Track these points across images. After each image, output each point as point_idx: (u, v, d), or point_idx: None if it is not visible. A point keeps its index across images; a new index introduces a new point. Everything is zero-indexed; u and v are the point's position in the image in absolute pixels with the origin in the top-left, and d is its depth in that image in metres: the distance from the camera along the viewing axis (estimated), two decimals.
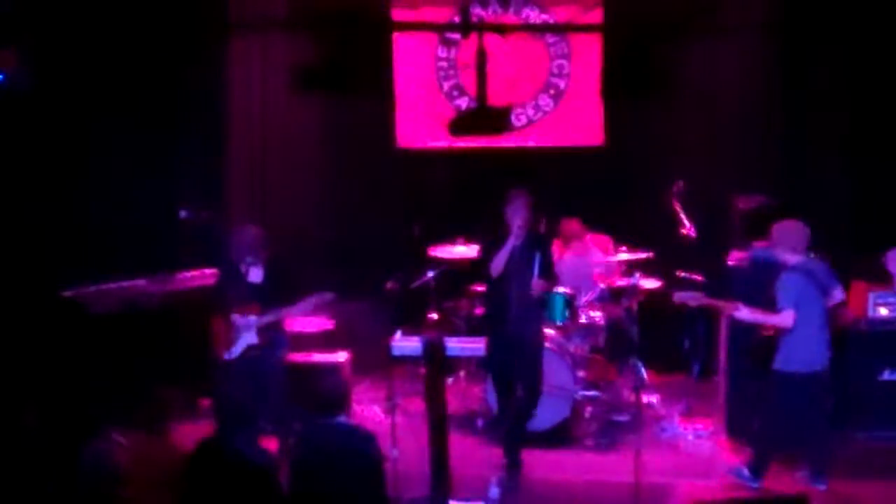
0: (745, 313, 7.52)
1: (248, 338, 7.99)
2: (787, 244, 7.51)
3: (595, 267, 9.57)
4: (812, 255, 7.63)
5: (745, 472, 7.62)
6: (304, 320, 9.18)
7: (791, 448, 7.73)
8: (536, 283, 7.79)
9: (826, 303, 7.52)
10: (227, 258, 8.17)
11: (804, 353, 7.44)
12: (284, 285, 8.02)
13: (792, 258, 7.50)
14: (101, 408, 7.26)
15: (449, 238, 9.61)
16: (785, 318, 7.38)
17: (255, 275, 8.04)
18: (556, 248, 9.45)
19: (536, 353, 8.02)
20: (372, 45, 10.81)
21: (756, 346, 7.88)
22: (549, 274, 7.95)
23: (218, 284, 8.27)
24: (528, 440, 8.15)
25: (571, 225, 9.63)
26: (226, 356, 8.01)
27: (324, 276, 8.69)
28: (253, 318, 7.94)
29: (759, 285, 8.33)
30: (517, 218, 7.82)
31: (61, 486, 5.88)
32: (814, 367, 7.45)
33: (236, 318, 7.94)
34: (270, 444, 7.65)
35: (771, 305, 7.44)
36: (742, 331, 8.14)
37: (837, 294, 7.62)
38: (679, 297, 7.68)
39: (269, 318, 8.00)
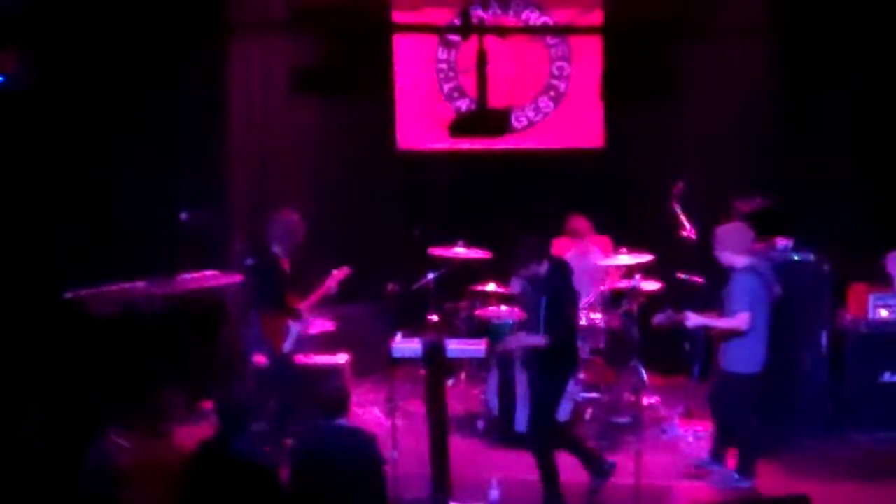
0: (695, 320, 7.55)
1: (298, 327, 8.15)
2: (731, 246, 7.55)
3: (596, 269, 9.56)
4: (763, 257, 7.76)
5: (735, 475, 7.65)
6: (304, 322, 9.18)
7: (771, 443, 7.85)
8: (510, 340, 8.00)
9: (771, 301, 7.61)
10: (265, 251, 8.18)
11: (757, 354, 7.55)
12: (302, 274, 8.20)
13: (739, 260, 7.55)
14: (102, 410, 7.27)
15: (449, 240, 9.60)
16: (741, 321, 7.43)
17: (286, 264, 8.17)
18: (560, 244, 9.50)
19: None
20: (372, 47, 10.80)
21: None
22: (551, 326, 7.40)
23: (263, 281, 8.21)
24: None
25: (579, 222, 9.60)
26: (286, 349, 8.13)
27: (324, 277, 8.67)
28: (309, 304, 8.15)
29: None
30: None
31: (64, 488, 5.88)
32: (762, 367, 7.58)
33: (304, 307, 8.10)
34: (270, 445, 7.66)
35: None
36: None
37: (776, 289, 7.72)
38: (656, 321, 7.76)
39: (315, 302, 8.20)
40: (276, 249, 8.15)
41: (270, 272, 8.16)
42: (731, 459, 7.85)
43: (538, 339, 7.38)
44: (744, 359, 7.55)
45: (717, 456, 7.96)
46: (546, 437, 7.50)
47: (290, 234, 8.15)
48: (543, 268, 7.42)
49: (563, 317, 7.41)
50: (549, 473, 7.45)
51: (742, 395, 7.62)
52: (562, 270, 7.54)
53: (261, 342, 8.19)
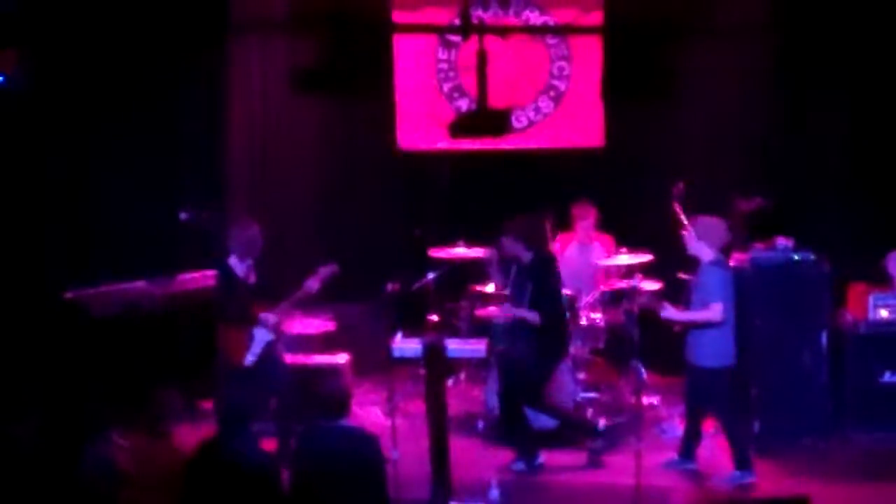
0: (672, 313, 7.60)
1: (264, 336, 7.93)
2: (711, 240, 7.58)
3: (597, 268, 9.56)
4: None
5: (737, 473, 7.65)
6: (304, 322, 9.19)
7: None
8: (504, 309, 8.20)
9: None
10: (224, 261, 8.00)
11: (728, 346, 7.60)
12: (270, 282, 8.02)
13: (708, 253, 7.58)
14: (102, 410, 7.28)
15: (449, 240, 9.61)
16: (715, 313, 7.46)
17: (249, 275, 7.98)
18: (564, 239, 9.52)
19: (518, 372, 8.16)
20: (372, 47, 10.80)
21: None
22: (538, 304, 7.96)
23: (220, 290, 8.05)
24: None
25: (586, 209, 9.61)
26: (247, 362, 7.88)
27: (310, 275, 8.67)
28: (272, 315, 7.88)
29: (758, 287, 8.38)
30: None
31: (63, 488, 5.88)
32: (734, 358, 7.63)
33: (263, 315, 7.85)
34: (271, 445, 7.66)
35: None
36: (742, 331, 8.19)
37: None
38: (639, 301, 7.85)
39: (286, 308, 7.97)
40: (233, 260, 7.95)
41: (226, 284, 7.95)
42: (728, 458, 7.85)
43: (532, 316, 7.85)
44: (716, 353, 7.58)
45: (686, 453, 7.98)
46: (516, 403, 8.00)
47: (249, 246, 7.92)
48: (527, 256, 7.93)
49: (547, 303, 7.86)
50: (519, 434, 8.02)
51: (720, 389, 7.64)
52: (546, 265, 8.01)
53: (220, 354, 7.96)
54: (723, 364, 7.60)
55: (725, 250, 7.88)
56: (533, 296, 7.92)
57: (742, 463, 7.66)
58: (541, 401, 8.20)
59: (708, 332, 7.55)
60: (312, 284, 7.99)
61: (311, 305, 8.74)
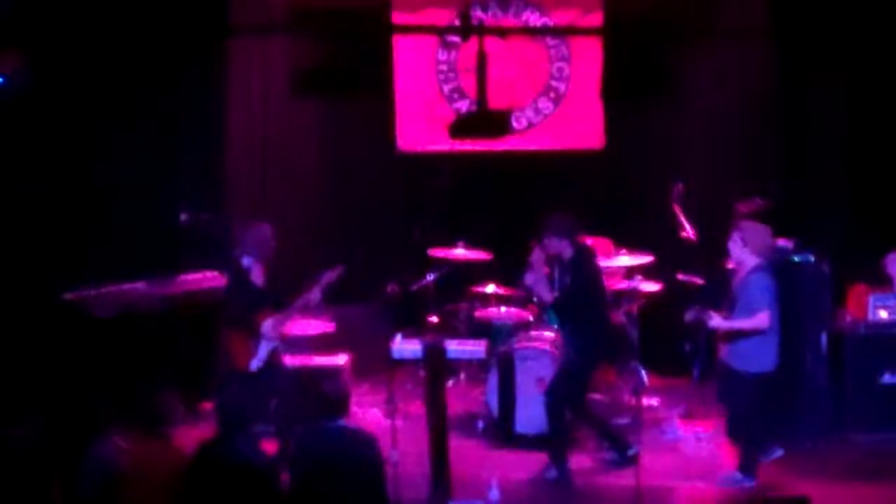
0: (719, 322, 7.56)
1: (271, 341, 7.84)
2: (755, 245, 7.56)
3: None
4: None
5: (738, 475, 7.65)
6: (304, 323, 9.18)
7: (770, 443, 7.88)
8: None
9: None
10: (234, 263, 7.90)
11: (771, 353, 7.57)
12: (270, 284, 7.93)
13: (754, 260, 7.56)
14: (102, 411, 7.27)
15: (449, 241, 9.61)
16: (762, 320, 7.44)
17: (258, 277, 7.90)
18: None
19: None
20: (372, 48, 10.81)
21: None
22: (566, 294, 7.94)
23: (231, 292, 7.95)
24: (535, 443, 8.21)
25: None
26: (252, 367, 7.78)
27: (316, 280, 8.67)
28: (276, 320, 7.81)
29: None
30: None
31: (63, 490, 5.87)
32: (774, 366, 7.59)
33: (265, 325, 7.75)
34: (271, 447, 7.66)
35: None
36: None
37: None
38: (687, 317, 7.72)
39: (292, 314, 7.92)
40: (246, 262, 7.85)
41: (238, 286, 7.86)
42: (732, 459, 7.85)
43: (548, 295, 7.89)
44: (758, 358, 7.53)
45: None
46: (560, 402, 7.87)
47: (262, 247, 7.83)
48: (569, 252, 7.87)
49: (584, 293, 7.84)
50: (558, 437, 7.87)
51: (754, 394, 7.60)
52: (587, 254, 8.01)
53: (223, 357, 7.86)
54: (764, 370, 7.56)
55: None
56: (572, 287, 7.84)
57: (748, 468, 7.63)
58: (583, 407, 8.12)
59: (753, 338, 7.51)
60: (314, 293, 7.90)
61: (313, 311, 8.69)
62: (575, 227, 7.98)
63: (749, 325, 7.50)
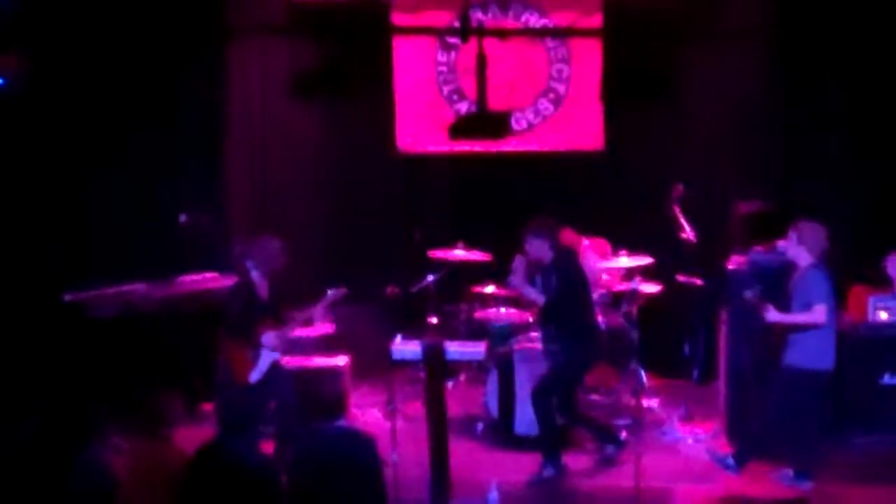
0: (776, 315, 7.54)
1: (271, 354, 7.82)
2: (810, 244, 7.55)
3: (593, 272, 9.56)
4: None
5: (731, 460, 7.64)
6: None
7: (781, 447, 7.78)
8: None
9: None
10: (244, 275, 7.83)
11: (829, 349, 7.52)
12: (282, 297, 7.95)
13: (809, 258, 7.56)
14: (101, 412, 7.26)
15: (449, 242, 9.61)
16: (819, 315, 7.42)
17: (263, 290, 7.86)
18: None
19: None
20: (372, 50, 10.81)
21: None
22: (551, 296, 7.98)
23: (233, 306, 7.81)
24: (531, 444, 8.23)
25: (564, 234, 9.61)
26: (252, 379, 7.74)
27: (324, 280, 8.67)
28: (277, 333, 7.79)
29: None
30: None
31: (62, 491, 5.87)
32: (832, 364, 7.53)
33: (266, 337, 7.74)
34: (270, 448, 7.66)
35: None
36: (742, 334, 8.18)
37: None
38: (747, 296, 7.69)
39: (293, 328, 7.94)
40: (255, 276, 7.81)
41: (246, 301, 7.79)
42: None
43: (537, 297, 7.94)
44: (818, 354, 7.49)
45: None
46: (545, 401, 7.96)
47: (271, 261, 7.81)
48: (549, 255, 7.93)
49: (569, 294, 7.92)
50: (548, 435, 7.97)
51: (813, 392, 7.55)
52: (568, 255, 8.13)
53: (223, 367, 7.80)
54: (823, 367, 7.52)
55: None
56: (560, 289, 7.89)
57: (804, 469, 7.61)
58: (572, 405, 8.16)
59: (811, 334, 7.48)
60: (318, 310, 7.96)
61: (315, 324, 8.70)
62: (554, 229, 8.04)
63: (806, 319, 7.46)
